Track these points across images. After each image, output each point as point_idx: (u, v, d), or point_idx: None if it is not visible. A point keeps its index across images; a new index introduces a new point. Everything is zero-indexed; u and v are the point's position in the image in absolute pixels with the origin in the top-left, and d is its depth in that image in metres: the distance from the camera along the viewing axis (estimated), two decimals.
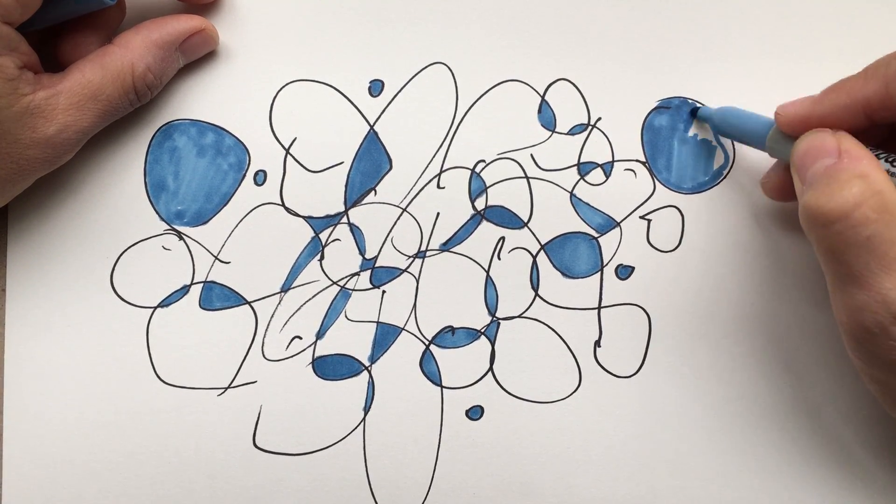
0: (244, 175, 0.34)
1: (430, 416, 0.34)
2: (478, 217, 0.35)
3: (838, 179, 0.26)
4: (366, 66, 0.34)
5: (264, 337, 0.34)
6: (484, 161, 0.35)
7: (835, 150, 0.27)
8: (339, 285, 0.34)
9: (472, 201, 0.35)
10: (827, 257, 0.26)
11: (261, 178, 0.34)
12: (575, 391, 0.34)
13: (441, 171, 0.35)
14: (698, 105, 0.35)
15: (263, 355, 0.34)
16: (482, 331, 0.34)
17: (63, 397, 0.34)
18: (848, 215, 0.25)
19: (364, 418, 0.34)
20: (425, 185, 0.34)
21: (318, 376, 0.34)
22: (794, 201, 0.30)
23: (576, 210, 0.35)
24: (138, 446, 0.34)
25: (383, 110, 0.34)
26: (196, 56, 0.34)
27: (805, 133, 0.28)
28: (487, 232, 0.34)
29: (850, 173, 0.26)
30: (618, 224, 0.35)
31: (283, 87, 0.34)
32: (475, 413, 0.34)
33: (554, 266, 0.34)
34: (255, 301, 0.34)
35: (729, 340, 0.34)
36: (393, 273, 0.34)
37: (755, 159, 0.35)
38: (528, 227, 0.35)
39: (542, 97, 0.35)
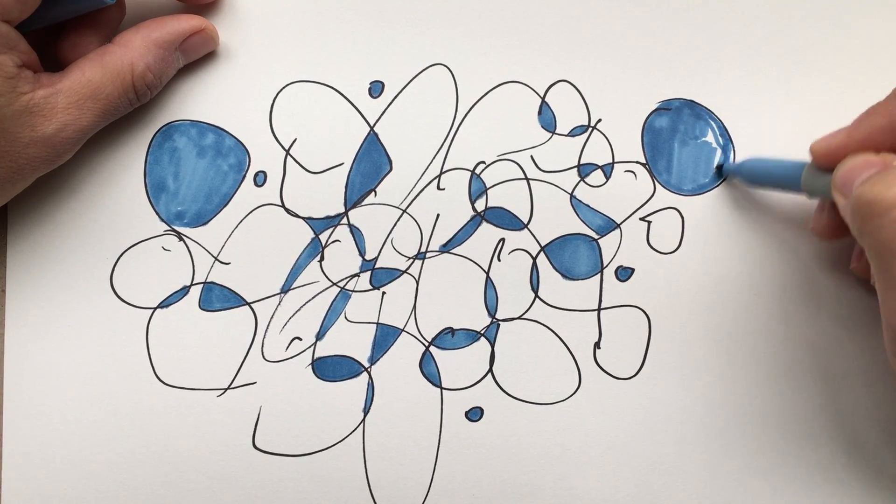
0: (244, 176, 0.34)
1: (430, 418, 0.34)
2: (478, 218, 0.35)
3: (893, 171, 0.25)
4: (366, 67, 0.34)
5: (264, 338, 0.34)
6: (484, 162, 0.35)
7: (880, 162, 0.26)
8: (338, 286, 0.34)
9: (472, 203, 0.35)
10: (881, 252, 0.25)
11: (261, 178, 0.34)
12: (574, 393, 0.34)
13: (441, 173, 0.35)
14: (720, 162, 0.34)
15: (263, 356, 0.34)
16: (482, 332, 0.34)
17: (63, 397, 0.34)
18: None
19: (364, 419, 0.34)
20: (425, 187, 0.34)
21: (318, 377, 0.34)
22: (847, 237, 0.30)
23: (576, 211, 0.35)
24: (138, 446, 0.34)
25: (383, 111, 0.34)
26: (196, 56, 0.34)
27: (845, 158, 0.27)
28: (487, 233, 0.34)
29: None
30: (618, 226, 0.35)
31: (284, 87, 0.34)
32: (475, 414, 0.34)
33: (554, 267, 0.34)
34: (254, 302, 0.34)
35: (728, 342, 0.34)
36: (393, 274, 0.34)
37: None
38: (528, 229, 0.35)
39: (543, 98, 0.35)
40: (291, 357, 0.34)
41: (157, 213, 0.34)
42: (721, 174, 0.35)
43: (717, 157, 0.35)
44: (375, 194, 0.34)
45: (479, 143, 0.34)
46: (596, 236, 0.35)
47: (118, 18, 0.33)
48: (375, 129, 0.34)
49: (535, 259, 0.34)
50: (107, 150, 0.34)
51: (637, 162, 0.35)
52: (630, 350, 0.34)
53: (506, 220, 0.35)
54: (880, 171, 0.25)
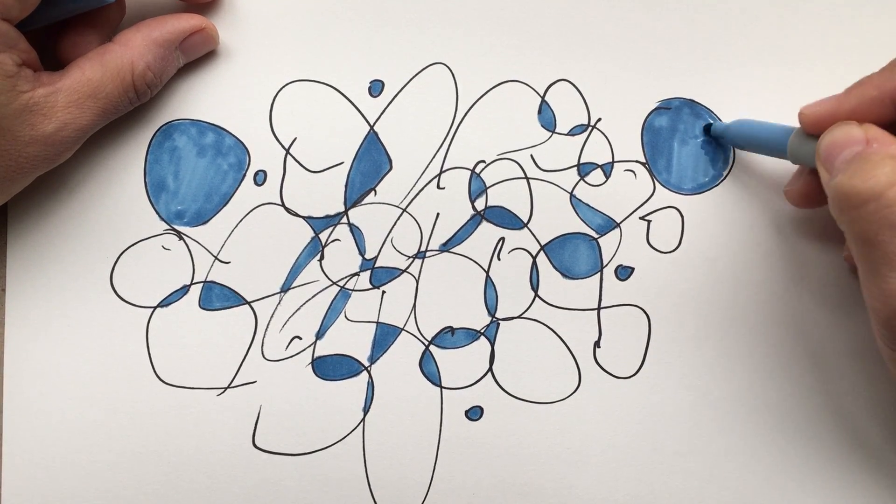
0: (244, 175, 0.34)
1: (430, 417, 0.34)
2: (478, 217, 0.35)
3: (870, 160, 0.25)
4: (366, 66, 0.34)
5: (264, 337, 0.34)
6: (484, 161, 0.35)
7: (862, 139, 0.26)
8: (338, 285, 0.34)
9: (472, 202, 0.35)
10: (860, 241, 0.25)
11: (261, 178, 0.34)
12: (574, 392, 0.34)
13: (441, 172, 0.35)
14: (710, 121, 0.35)
15: (263, 355, 0.34)
16: (482, 331, 0.34)
17: (63, 397, 0.34)
18: (881, 195, 0.24)
19: (363, 418, 0.34)
20: (425, 186, 0.34)
21: (318, 376, 0.34)
22: (820, 207, 0.30)
23: (576, 211, 0.35)
24: (138, 446, 0.34)
25: (383, 110, 0.34)
26: (196, 55, 0.34)
27: (830, 127, 0.28)
28: (487, 232, 0.34)
29: (882, 154, 0.25)
30: (618, 225, 0.35)
31: (284, 87, 0.34)
32: (475, 413, 0.34)
33: (554, 267, 0.35)
34: (254, 301, 0.34)
35: (728, 341, 0.34)
36: (393, 273, 0.34)
37: (755, 160, 0.35)
38: (528, 228, 0.35)
39: (543, 98, 0.35)
40: (291, 356, 0.34)
41: (157, 213, 0.34)
42: (708, 133, 0.34)
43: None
44: (375, 193, 0.34)
45: (479, 142, 0.35)
46: (596, 235, 0.35)
47: (118, 17, 0.33)
48: (375, 128, 0.34)
49: (534, 258, 0.34)
50: (107, 150, 0.34)
51: (637, 161, 0.35)
52: (630, 349, 0.34)
53: (506, 219, 0.35)
54: (860, 159, 0.26)
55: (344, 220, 0.34)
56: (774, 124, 0.32)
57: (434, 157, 0.35)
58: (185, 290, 0.34)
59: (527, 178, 0.35)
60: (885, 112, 0.28)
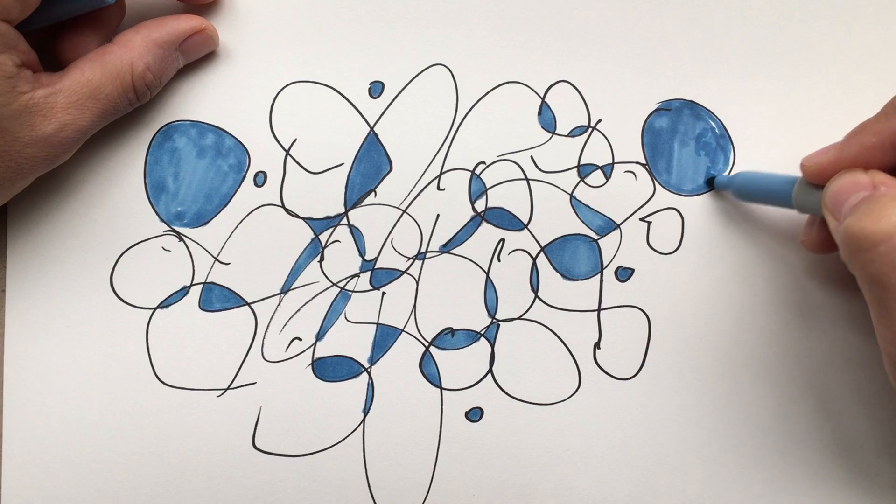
0: (244, 176, 0.34)
1: (430, 418, 0.34)
2: (478, 219, 0.35)
3: (879, 202, 0.25)
4: (366, 67, 0.34)
5: (264, 338, 0.34)
6: (484, 163, 0.35)
7: (868, 184, 0.26)
8: (338, 287, 0.34)
9: (472, 203, 0.35)
10: (872, 284, 0.25)
11: (261, 179, 0.34)
12: (574, 393, 0.34)
13: (441, 173, 0.35)
14: (713, 174, 0.34)
15: (263, 356, 0.34)
16: (482, 332, 0.34)
17: (63, 397, 0.34)
18: (893, 235, 0.24)
19: (363, 420, 0.34)
20: (425, 187, 0.34)
21: (318, 378, 0.34)
22: (838, 250, 0.30)
23: (576, 212, 0.35)
24: (138, 446, 0.34)
25: (383, 112, 0.34)
26: (196, 56, 0.34)
27: (835, 175, 0.28)
28: (487, 233, 0.34)
29: (891, 196, 0.25)
30: (618, 226, 0.35)
31: (284, 88, 0.34)
32: (475, 415, 0.34)
33: (554, 268, 0.35)
34: (254, 302, 0.34)
35: (728, 342, 0.34)
36: (393, 275, 0.34)
37: (756, 161, 0.35)
38: (528, 229, 0.35)
39: (543, 99, 0.35)
40: (291, 357, 0.34)
41: (157, 214, 0.34)
42: (712, 187, 0.35)
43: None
44: (375, 194, 0.34)
45: (479, 143, 0.34)
46: (596, 237, 0.35)
47: (118, 18, 0.33)
48: (375, 129, 0.34)
49: (535, 259, 0.34)
50: (107, 150, 0.34)
51: (637, 162, 0.35)
52: (630, 350, 0.34)
53: (506, 220, 0.35)
54: (868, 201, 0.25)
55: (344, 221, 0.34)
56: (777, 175, 0.31)
57: (434, 158, 0.34)
58: (185, 291, 0.34)
59: (527, 179, 0.35)
60: (887, 158, 0.27)
